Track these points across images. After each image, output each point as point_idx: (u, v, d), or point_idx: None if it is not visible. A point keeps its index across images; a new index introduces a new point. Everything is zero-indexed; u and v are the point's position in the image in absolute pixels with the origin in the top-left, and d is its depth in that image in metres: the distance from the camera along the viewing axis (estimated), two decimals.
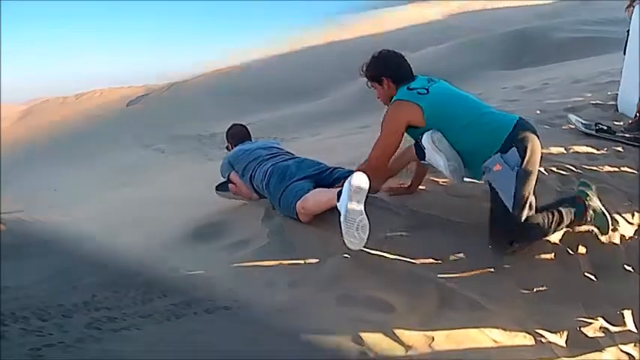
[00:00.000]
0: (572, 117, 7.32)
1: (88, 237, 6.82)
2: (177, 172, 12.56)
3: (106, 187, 16.21)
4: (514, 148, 4.12)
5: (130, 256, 5.38)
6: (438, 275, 4.06)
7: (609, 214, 4.42)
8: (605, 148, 6.30)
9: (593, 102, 8.39)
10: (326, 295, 3.75)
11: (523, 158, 4.11)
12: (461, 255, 4.30)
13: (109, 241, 6.37)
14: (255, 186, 5.42)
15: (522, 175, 4.09)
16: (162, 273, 4.50)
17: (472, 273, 4.11)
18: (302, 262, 4.24)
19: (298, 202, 4.67)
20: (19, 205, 18.99)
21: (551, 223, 4.22)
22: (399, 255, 4.24)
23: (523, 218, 4.12)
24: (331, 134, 14.80)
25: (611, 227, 4.38)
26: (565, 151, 6.15)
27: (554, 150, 6.10)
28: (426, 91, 4.41)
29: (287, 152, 5.73)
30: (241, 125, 6.53)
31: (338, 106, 22.26)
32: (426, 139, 4.36)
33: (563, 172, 5.56)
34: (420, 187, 5.20)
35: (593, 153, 6.20)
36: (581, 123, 7.03)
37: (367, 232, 4.05)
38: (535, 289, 3.99)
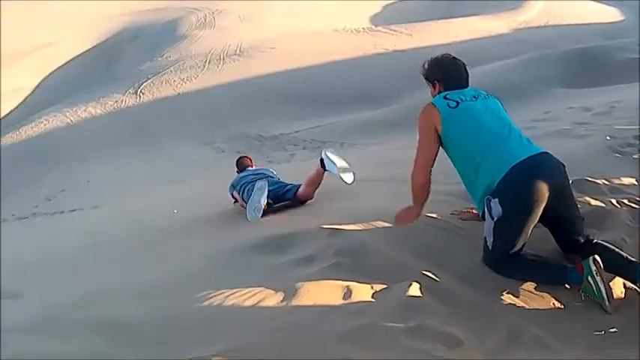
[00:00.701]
0: None
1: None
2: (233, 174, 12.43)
3: (164, 183, 16.27)
4: (496, 199, 4.09)
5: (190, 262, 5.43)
6: (508, 309, 3.94)
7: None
8: None
9: None
10: (392, 325, 3.60)
11: (506, 211, 4.05)
12: (531, 289, 4.12)
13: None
14: (244, 199, 7.43)
15: (501, 228, 4.09)
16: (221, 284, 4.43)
17: (542, 309, 3.96)
18: (369, 286, 4.07)
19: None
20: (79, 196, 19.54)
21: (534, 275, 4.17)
22: (469, 285, 4.13)
23: (501, 263, 4.15)
24: (395, 145, 14.61)
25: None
26: (636, 183, 5.88)
27: (626, 181, 5.87)
28: (456, 104, 4.41)
29: (270, 177, 7.90)
30: (246, 157, 9.16)
31: (403, 115, 21.63)
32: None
33: (634, 206, 5.28)
34: None
35: None
36: None
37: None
38: (605, 331, 3.77)
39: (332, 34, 41.76)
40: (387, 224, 5.06)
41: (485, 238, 4.23)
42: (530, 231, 4.19)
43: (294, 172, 12.82)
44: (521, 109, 15.18)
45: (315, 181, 7.28)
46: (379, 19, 48.83)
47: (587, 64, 23.56)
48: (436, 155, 4.63)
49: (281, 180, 7.88)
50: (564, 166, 4.33)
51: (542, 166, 4.23)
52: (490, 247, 4.19)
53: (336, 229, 5.05)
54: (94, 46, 55.26)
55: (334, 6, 51.54)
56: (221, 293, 4.15)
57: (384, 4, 53.10)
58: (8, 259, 10.60)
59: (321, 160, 7.08)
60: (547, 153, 4.35)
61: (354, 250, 4.59)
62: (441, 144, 4.55)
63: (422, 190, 4.74)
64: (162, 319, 4.01)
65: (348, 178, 6.95)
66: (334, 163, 6.91)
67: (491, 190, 4.19)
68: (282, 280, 4.24)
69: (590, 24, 39.07)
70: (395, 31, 40.69)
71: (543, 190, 4.05)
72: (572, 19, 41.00)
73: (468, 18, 43.44)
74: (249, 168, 8.52)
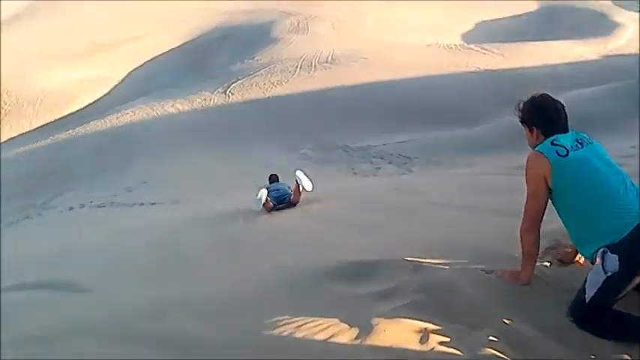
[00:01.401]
0: None
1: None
2: (320, 182, 12.35)
3: (247, 185, 16.26)
4: (615, 256, 3.79)
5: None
6: None
7: None
8: None
9: None
10: None
11: (623, 270, 3.76)
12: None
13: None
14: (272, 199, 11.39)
15: (610, 285, 3.80)
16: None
17: None
18: (447, 330, 3.79)
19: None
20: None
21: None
22: (555, 340, 3.76)
23: (592, 318, 3.85)
24: (482, 169, 14.41)
25: None
26: None
27: None
28: (566, 153, 4.14)
29: (281, 189, 11.95)
30: (274, 174, 13.19)
31: (490, 136, 21.75)
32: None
33: None
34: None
35: None
36: None
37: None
38: None
39: (425, 49, 41.84)
40: (475, 264, 4.78)
41: (585, 289, 3.93)
42: None
43: (376, 188, 12.42)
44: (609, 141, 14.47)
45: (298, 191, 11.47)
46: (472, 37, 49.19)
47: None
48: (546, 208, 4.33)
49: (287, 191, 11.88)
50: None
51: None
52: (587, 300, 3.88)
53: (421, 262, 4.84)
54: (186, 43, 56.54)
55: (428, 20, 51.86)
56: (292, 321, 3.98)
57: (477, 22, 53.30)
58: (83, 249, 10.53)
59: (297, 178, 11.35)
60: None
61: (437, 289, 4.36)
62: (550, 193, 4.27)
63: (533, 249, 4.44)
64: (227, 341, 3.89)
65: (308, 187, 11.24)
66: (301, 180, 11.21)
67: (608, 243, 3.89)
68: (357, 315, 4.01)
69: None
70: (487, 50, 40.59)
71: None
72: None
73: (558, 42, 43.17)
74: (275, 183, 12.65)
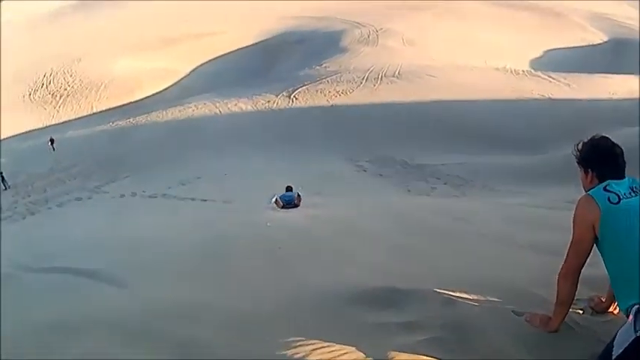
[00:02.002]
0: None
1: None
2: (373, 197, 12.07)
3: (301, 191, 16.43)
4: None
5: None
6: None
7: None
8: None
9: None
10: None
11: None
12: None
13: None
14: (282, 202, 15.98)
15: (638, 346, 3.55)
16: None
17: None
18: None
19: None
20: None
21: None
22: None
23: None
24: (537, 200, 14.13)
25: None
26: None
27: None
28: (617, 200, 3.92)
29: (290, 196, 16.26)
30: (290, 186, 16.68)
31: (550, 166, 21.22)
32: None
33: None
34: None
35: None
36: None
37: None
38: None
39: (492, 72, 41.60)
40: (506, 304, 4.59)
41: (613, 345, 3.67)
42: None
43: (424, 208, 12.11)
44: None
45: (299, 199, 16.00)
46: (539, 64, 48.91)
47: None
48: (590, 255, 4.12)
49: (293, 198, 16.03)
50: None
51: None
52: (613, 357, 3.61)
53: (452, 297, 4.65)
54: (256, 43, 57.03)
55: (498, 43, 51.66)
56: (309, 343, 3.86)
57: (545, 49, 52.80)
58: (126, 240, 10.43)
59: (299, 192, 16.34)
60: None
61: (463, 327, 4.18)
62: (596, 240, 4.07)
63: (569, 296, 4.26)
64: (240, 354, 3.85)
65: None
66: (272, 202, 15.83)
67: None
68: (376, 345, 3.87)
69: None
70: (553, 78, 40.14)
71: None
72: None
73: (625, 76, 42.23)
74: (288, 192, 16.45)
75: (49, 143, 36.13)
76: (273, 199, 15.98)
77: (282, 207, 15.62)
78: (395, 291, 4.93)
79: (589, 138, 4.30)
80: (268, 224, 10.35)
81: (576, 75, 41.26)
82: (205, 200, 18.15)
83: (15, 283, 7.57)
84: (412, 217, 10.97)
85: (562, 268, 4.14)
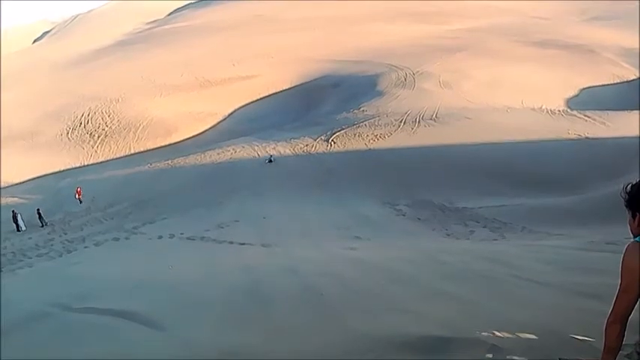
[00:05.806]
0: None
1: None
2: (412, 241, 11.99)
3: (339, 234, 16.17)
4: None
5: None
6: None
7: None
8: None
9: None
10: None
11: None
12: None
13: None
14: None
15: None
16: None
17: None
18: None
19: None
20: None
21: None
22: None
23: None
24: (576, 242, 13.81)
25: None
26: None
27: None
28: None
29: None
30: None
31: (588, 206, 21.07)
32: None
33: None
34: None
35: None
36: None
37: None
38: None
39: (528, 112, 41.46)
40: (550, 350, 4.49)
41: None
42: None
43: (464, 253, 11.97)
44: None
45: None
46: (575, 103, 48.62)
47: None
48: (637, 302, 4.01)
49: None
50: None
51: None
52: None
53: (496, 345, 4.62)
54: (294, 87, 57.55)
55: (533, 83, 51.60)
56: None
57: (580, 87, 52.61)
58: (164, 281, 10.41)
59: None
60: None
61: None
62: None
63: (616, 343, 4.12)
64: None
65: None
66: None
67: None
68: None
69: None
70: (589, 117, 39.71)
71: None
72: None
73: None
74: None
75: (76, 195, 35.37)
76: None
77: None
78: (438, 339, 4.88)
79: (638, 180, 4.14)
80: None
81: (613, 113, 40.85)
82: (243, 244, 18.10)
83: (53, 322, 7.58)
84: (452, 262, 10.86)
85: (610, 316, 4.03)
